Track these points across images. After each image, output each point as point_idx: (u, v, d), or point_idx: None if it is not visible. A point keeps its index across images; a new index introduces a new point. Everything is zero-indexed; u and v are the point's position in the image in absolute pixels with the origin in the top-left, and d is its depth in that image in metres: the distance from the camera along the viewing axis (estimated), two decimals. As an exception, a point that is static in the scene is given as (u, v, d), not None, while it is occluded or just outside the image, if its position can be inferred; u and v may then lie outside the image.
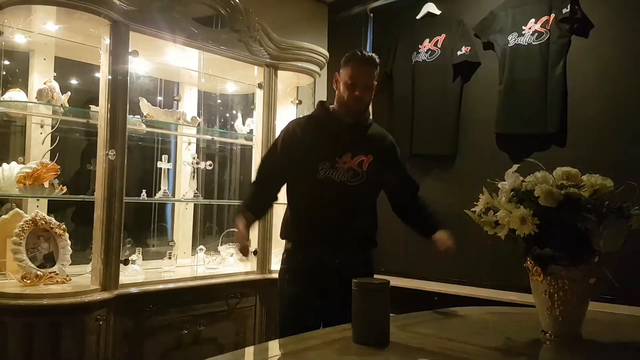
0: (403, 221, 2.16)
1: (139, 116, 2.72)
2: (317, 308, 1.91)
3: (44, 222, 2.31)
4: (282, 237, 2.08)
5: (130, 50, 2.35)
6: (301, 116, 2.34)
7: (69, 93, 2.46)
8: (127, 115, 2.36)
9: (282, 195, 2.11)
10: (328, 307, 1.87)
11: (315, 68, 3.15)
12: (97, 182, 2.29)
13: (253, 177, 2.12)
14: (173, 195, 3.04)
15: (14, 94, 2.36)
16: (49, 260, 2.31)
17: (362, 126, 2.05)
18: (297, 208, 2.03)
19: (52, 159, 2.42)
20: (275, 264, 2.89)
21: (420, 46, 3.33)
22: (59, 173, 2.36)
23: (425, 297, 2.96)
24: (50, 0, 2.18)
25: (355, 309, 1.31)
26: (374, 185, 2.03)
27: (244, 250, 1.90)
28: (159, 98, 3.04)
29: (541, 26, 2.81)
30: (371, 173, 1.98)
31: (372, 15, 3.64)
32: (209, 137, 3.32)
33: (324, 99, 3.24)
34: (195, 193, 2.93)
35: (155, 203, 2.98)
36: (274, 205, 2.87)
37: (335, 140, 1.99)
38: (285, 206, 2.09)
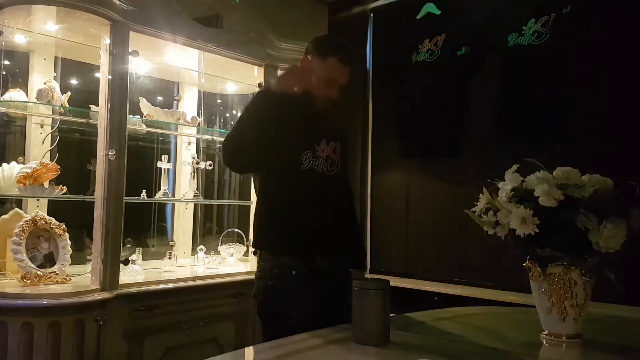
0: None
1: (139, 116, 2.72)
2: (313, 321, 1.57)
3: (44, 222, 2.31)
4: (259, 247, 1.81)
5: (130, 50, 2.35)
6: (269, 89, 1.77)
7: (69, 93, 2.46)
8: (127, 115, 2.36)
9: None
10: (320, 316, 1.63)
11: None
12: (97, 182, 2.29)
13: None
14: (173, 195, 3.04)
15: (14, 94, 2.36)
16: (49, 260, 2.31)
17: (327, 112, 1.84)
18: (282, 207, 1.76)
19: (52, 159, 2.42)
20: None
21: (420, 46, 3.33)
22: (59, 173, 2.36)
23: (425, 297, 2.96)
24: (50, 0, 2.18)
25: (355, 309, 1.31)
26: (348, 174, 1.89)
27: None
28: (159, 98, 3.04)
29: (541, 26, 2.81)
30: (344, 160, 1.84)
31: (372, 15, 3.64)
32: (209, 137, 3.32)
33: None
34: (195, 193, 2.94)
35: (155, 203, 2.98)
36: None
37: (313, 126, 1.79)
38: (257, 212, 1.82)
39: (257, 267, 1.81)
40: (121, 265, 2.32)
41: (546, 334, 1.39)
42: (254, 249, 2.87)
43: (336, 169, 1.81)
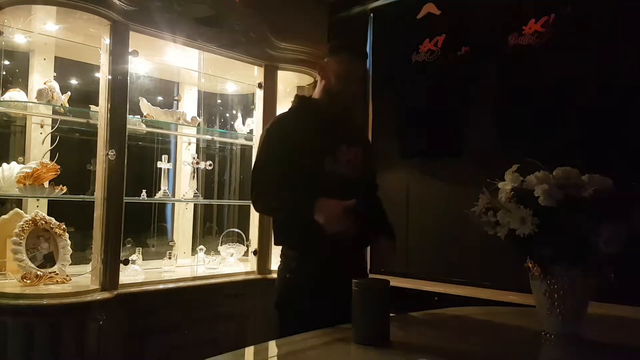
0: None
1: (139, 116, 2.72)
2: (326, 316, 1.68)
3: (44, 222, 2.31)
4: (279, 243, 1.94)
5: (130, 50, 2.35)
6: (281, 114, 2.10)
7: (69, 93, 2.46)
8: (127, 115, 2.36)
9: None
10: (333, 312, 1.66)
11: (316, 67, 3.15)
12: (97, 182, 2.29)
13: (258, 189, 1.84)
14: (173, 195, 3.04)
15: (14, 94, 2.36)
16: (49, 260, 2.31)
17: (345, 117, 1.98)
18: (303, 207, 1.82)
19: (52, 159, 2.42)
20: (276, 264, 2.89)
21: (420, 46, 3.33)
22: (59, 173, 2.36)
23: (425, 297, 2.96)
24: (50, 0, 2.18)
25: (355, 309, 1.31)
26: (368, 177, 1.97)
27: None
28: (159, 98, 3.04)
29: (541, 26, 2.81)
30: (364, 164, 1.91)
31: (372, 15, 3.64)
32: (209, 137, 3.32)
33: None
34: (195, 193, 2.94)
35: (155, 203, 2.98)
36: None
37: (331, 132, 1.89)
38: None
39: (280, 262, 1.94)
40: (121, 265, 2.32)
41: (546, 334, 1.39)
42: (254, 249, 2.90)
43: (358, 172, 1.88)
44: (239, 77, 3.22)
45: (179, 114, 2.84)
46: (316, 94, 1.98)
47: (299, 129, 1.87)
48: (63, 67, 2.64)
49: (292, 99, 2.07)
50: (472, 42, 3.10)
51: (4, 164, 2.37)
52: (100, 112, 2.32)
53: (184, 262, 2.97)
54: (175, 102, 3.14)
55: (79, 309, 2.10)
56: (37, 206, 2.44)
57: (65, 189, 2.32)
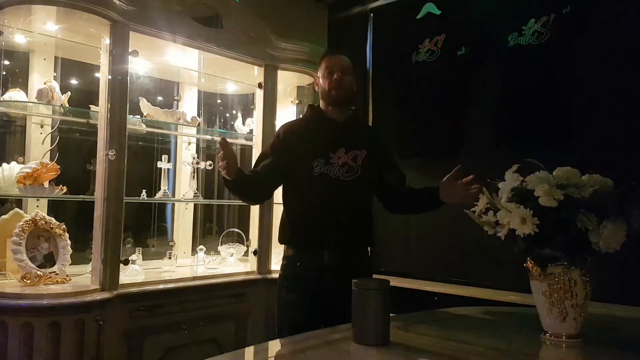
0: (401, 211, 2.20)
1: (139, 116, 2.72)
2: (316, 313, 1.86)
3: (44, 222, 2.31)
4: (280, 241, 2.06)
5: (130, 50, 2.35)
6: (292, 119, 2.36)
7: (69, 93, 2.46)
8: (127, 115, 2.36)
9: (279, 196, 2.12)
10: (328, 311, 1.81)
11: (316, 68, 3.15)
12: (97, 182, 2.29)
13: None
14: (173, 195, 3.04)
15: (14, 94, 2.36)
16: (49, 260, 2.31)
17: (352, 123, 2.08)
18: (294, 208, 2.02)
19: (52, 159, 2.42)
20: (275, 264, 2.89)
21: (420, 46, 3.33)
22: (59, 173, 2.36)
23: (425, 297, 2.95)
24: (50, 0, 2.18)
25: (355, 309, 1.31)
26: (369, 181, 2.03)
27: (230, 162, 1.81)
28: (159, 98, 3.04)
29: (541, 26, 2.82)
30: (366, 168, 1.98)
31: (372, 15, 3.64)
32: (209, 137, 3.32)
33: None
34: (195, 193, 2.94)
35: (155, 203, 2.98)
36: (274, 205, 2.90)
37: (328, 137, 2.00)
38: (282, 210, 2.08)
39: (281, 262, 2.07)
40: (121, 265, 2.32)
41: (546, 334, 1.39)
42: (254, 249, 2.91)
43: (354, 175, 1.96)
44: (239, 77, 3.22)
45: (179, 114, 2.84)
46: (321, 104, 2.11)
47: (298, 135, 2.03)
48: (63, 67, 2.64)
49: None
50: (472, 42, 3.10)
51: (4, 164, 2.37)
52: (100, 112, 2.32)
53: (184, 262, 2.97)
54: (175, 102, 3.14)
55: (79, 309, 2.10)
56: (37, 206, 2.44)
57: (65, 189, 2.32)
